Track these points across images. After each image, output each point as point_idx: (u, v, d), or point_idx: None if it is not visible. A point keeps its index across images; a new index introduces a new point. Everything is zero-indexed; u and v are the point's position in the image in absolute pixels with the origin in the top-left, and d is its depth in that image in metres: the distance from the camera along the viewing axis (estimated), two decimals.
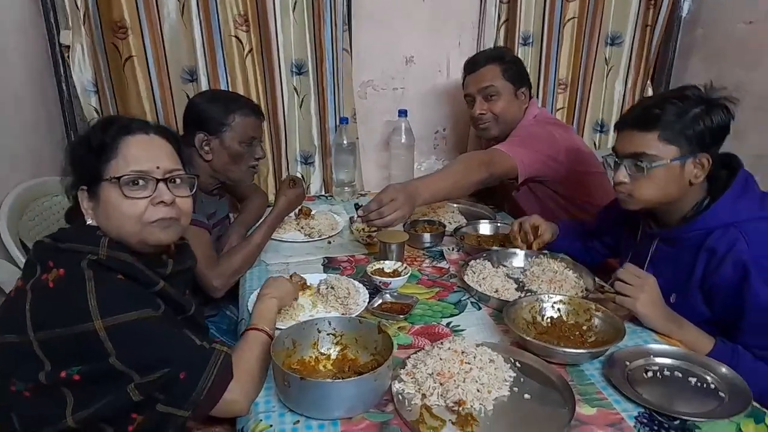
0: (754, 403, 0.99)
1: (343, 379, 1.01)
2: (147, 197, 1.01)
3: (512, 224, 1.64)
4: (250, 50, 2.05)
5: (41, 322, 0.91)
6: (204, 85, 2.04)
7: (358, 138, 2.26)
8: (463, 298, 1.42)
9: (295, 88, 2.15)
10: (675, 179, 1.22)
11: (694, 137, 1.20)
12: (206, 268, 1.43)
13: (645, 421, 0.96)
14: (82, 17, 1.88)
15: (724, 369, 1.07)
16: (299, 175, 2.29)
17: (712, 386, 1.05)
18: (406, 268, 1.47)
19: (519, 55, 2.21)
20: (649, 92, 2.37)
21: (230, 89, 2.07)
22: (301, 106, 2.18)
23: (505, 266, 1.55)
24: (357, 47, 2.19)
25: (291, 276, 1.38)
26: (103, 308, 0.90)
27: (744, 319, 1.18)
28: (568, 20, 2.24)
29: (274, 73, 2.09)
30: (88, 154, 1.01)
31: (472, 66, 1.91)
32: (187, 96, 2.02)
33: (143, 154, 1.03)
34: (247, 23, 2.02)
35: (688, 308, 1.26)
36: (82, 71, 1.95)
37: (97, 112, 2.00)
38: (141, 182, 1.01)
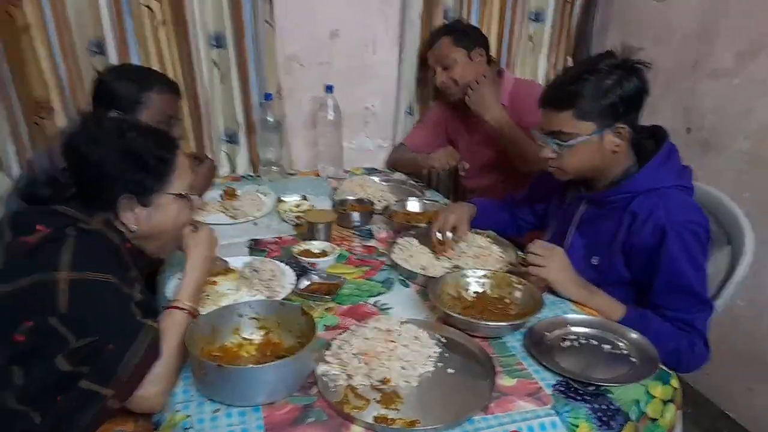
0: (661, 366, 1.05)
1: (265, 363, 0.98)
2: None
3: (432, 234, 1.49)
4: (164, 21, 1.92)
5: (6, 276, 0.93)
6: (114, 59, 1.89)
7: (284, 115, 2.19)
8: (391, 276, 1.41)
9: (214, 62, 2.04)
10: (596, 151, 1.27)
11: (609, 110, 1.23)
12: None
13: (562, 389, 1.00)
14: None
15: (634, 335, 1.13)
16: (225, 155, 2.20)
17: (624, 352, 1.10)
18: (333, 248, 1.45)
19: None
20: None
21: (143, 63, 1.93)
22: (222, 82, 2.08)
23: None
24: (280, 19, 2.09)
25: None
26: (74, 262, 0.93)
27: (657, 279, 1.24)
28: None
29: (190, 46, 1.97)
30: (145, 169, 1.07)
31: (429, 42, 2.10)
32: (96, 70, 1.86)
33: (187, 166, 1.15)
34: None
35: (608, 270, 1.33)
36: None
37: None
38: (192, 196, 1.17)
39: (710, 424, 2.02)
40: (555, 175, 1.36)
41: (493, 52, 2.30)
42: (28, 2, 1.76)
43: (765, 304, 1.85)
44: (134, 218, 1.08)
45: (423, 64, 2.30)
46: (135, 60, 1.93)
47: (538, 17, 2.33)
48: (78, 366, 0.90)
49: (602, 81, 1.22)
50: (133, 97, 1.45)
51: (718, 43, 1.92)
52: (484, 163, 2.07)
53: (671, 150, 1.32)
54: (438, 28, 2.13)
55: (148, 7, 1.89)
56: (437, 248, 1.49)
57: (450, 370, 1.04)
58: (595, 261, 1.36)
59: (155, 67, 1.94)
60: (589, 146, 1.26)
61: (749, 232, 1.38)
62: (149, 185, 1.08)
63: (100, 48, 1.89)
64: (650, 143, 1.33)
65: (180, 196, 1.12)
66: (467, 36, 2.02)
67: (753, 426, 1.95)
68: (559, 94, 1.27)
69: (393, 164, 2.36)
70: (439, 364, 1.05)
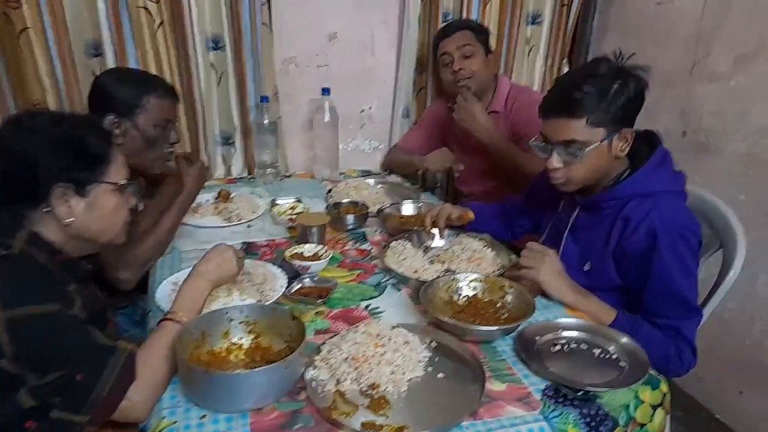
0: (651, 371, 1.05)
1: (254, 368, 0.98)
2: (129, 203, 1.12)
3: (426, 217, 1.58)
4: (161, 23, 1.93)
5: None
6: (111, 61, 1.90)
7: (280, 117, 2.19)
8: (383, 280, 1.41)
9: (212, 65, 2.05)
10: (604, 156, 1.25)
11: (618, 114, 1.21)
12: (113, 259, 1.35)
13: (551, 394, 1.00)
14: None
15: (624, 339, 1.12)
16: (221, 157, 2.21)
17: (614, 356, 1.10)
18: (326, 251, 1.45)
19: None
20: (566, 71, 2.42)
21: (141, 65, 1.94)
22: (219, 84, 2.08)
23: (426, 247, 1.55)
24: (277, 22, 2.09)
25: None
26: (5, 299, 0.85)
27: (648, 284, 1.23)
28: None
29: (188, 49, 1.97)
30: (81, 157, 1.02)
31: (446, 31, 2.01)
32: (93, 73, 1.88)
33: (123, 162, 1.10)
34: None
35: (601, 275, 1.32)
36: None
37: None
38: (131, 189, 1.11)
39: (701, 428, 2.01)
40: (560, 187, 1.32)
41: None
42: (26, 5, 1.77)
43: (756, 308, 1.84)
44: (69, 211, 1.00)
45: (420, 67, 2.31)
46: (132, 62, 1.93)
47: (535, 20, 2.33)
48: (46, 399, 0.87)
49: (609, 85, 1.20)
50: (132, 101, 1.45)
51: (716, 47, 1.91)
52: (479, 169, 2.07)
53: (665, 155, 1.31)
54: (455, 21, 2.13)
55: (145, 8, 1.89)
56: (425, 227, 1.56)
57: (440, 375, 1.04)
58: (587, 267, 1.35)
59: (152, 69, 1.95)
60: (599, 153, 1.23)
61: (741, 236, 1.38)
62: (86, 173, 1.02)
63: (97, 50, 1.90)
64: (644, 149, 1.32)
65: (119, 186, 1.07)
66: (485, 37, 2.01)
67: (743, 430, 1.95)
68: (570, 102, 1.21)
69: (388, 166, 2.36)
70: (429, 368, 1.05)
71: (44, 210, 0.99)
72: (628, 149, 1.27)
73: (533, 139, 1.33)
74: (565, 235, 1.41)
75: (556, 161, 1.27)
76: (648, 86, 1.24)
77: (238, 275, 1.23)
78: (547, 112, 1.28)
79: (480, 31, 2.01)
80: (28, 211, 0.99)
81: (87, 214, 1.03)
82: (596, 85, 1.20)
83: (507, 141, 1.90)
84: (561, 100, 1.24)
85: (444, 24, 2.13)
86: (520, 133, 1.91)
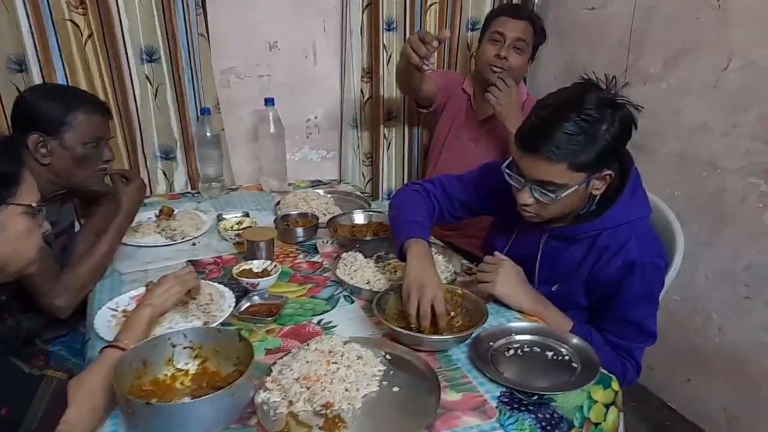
0: (602, 370, 1.06)
1: (201, 396, 0.93)
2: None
3: (408, 305, 1.17)
4: (90, 35, 1.84)
5: None
6: (36, 76, 1.80)
7: (223, 129, 2.13)
8: (336, 292, 1.38)
9: (147, 77, 1.97)
10: (580, 196, 1.20)
11: (602, 155, 1.12)
12: (47, 286, 1.27)
13: (506, 400, 0.99)
14: None
15: (575, 340, 1.14)
16: (161, 172, 2.12)
17: (567, 358, 1.11)
18: (275, 266, 1.41)
19: (383, 41, 2.20)
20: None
21: (69, 80, 1.84)
22: (155, 97, 2.00)
23: (378, 256, 1.54)
24: (215, 32, 2.05)
25: (147, 284, 1.27)
26: None
27: (611, 309, 1.24)
28: (430, 5, 2.25)
29: (120, 61, 1.89)
30: None
31: (513, 12, 1.94)
32: (18, 89, 1.78)
33: (34, 186, 1.01)
34: (84, 5, 1.80)
35: (566, 297, 1.30)
36: None
37: None
38: (43, 213, 1.03)
39: (654, 417, 2.07)
40: (527, 218, 1.26)
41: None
42: None
43: (697, 298, 1.92)
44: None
45: (366, 75, 2.29)
46: (60, 77, 1.84)
47: (475, 26, 2.35)
48: None
49: (596, 126, 1.10)
50: (58, 118, 1.37)
51: (646, 50, 1.99)
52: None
53: (637, 177, 1.26)
54: (528, 8, 2.01)
55: (72, 21, 1.80)
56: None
57: (395, 389, 1.02)
58: (554, 288, 1.32)
59: (83, 84, 1.86)
60: (575, 194, 1.16)
61: (679, 231, 1.43)
62: None
63: (20, 65, 1.79)
64: (614, 166, 1.22)
65: (30, 209, 0.98)
66: (539, 42, 1.94)
67: (692, 415, 2.02)
68: (551, 143, 1.11)
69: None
70: (384, 383, 1.03)
71: None
72: (604, 188, 1.21)
73: (505, 164, 1.24)
74: (537, 263, 1.35)
75: (527, 196, 1.19)
76: (636, 124, 1.16)
77: (192, 293, 1.19)
78: (524, 147, 1.16)
79: (540, 34, 1.95)
80: None
81: None
82: (582, 125, 1.10)
83: None
84: (541, 138, 1.12)
85: (514, 2, 2.09)
86: None
